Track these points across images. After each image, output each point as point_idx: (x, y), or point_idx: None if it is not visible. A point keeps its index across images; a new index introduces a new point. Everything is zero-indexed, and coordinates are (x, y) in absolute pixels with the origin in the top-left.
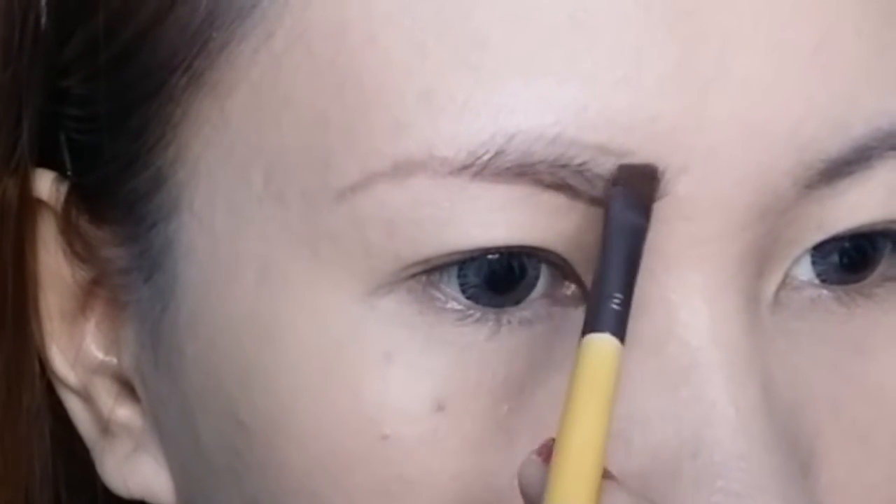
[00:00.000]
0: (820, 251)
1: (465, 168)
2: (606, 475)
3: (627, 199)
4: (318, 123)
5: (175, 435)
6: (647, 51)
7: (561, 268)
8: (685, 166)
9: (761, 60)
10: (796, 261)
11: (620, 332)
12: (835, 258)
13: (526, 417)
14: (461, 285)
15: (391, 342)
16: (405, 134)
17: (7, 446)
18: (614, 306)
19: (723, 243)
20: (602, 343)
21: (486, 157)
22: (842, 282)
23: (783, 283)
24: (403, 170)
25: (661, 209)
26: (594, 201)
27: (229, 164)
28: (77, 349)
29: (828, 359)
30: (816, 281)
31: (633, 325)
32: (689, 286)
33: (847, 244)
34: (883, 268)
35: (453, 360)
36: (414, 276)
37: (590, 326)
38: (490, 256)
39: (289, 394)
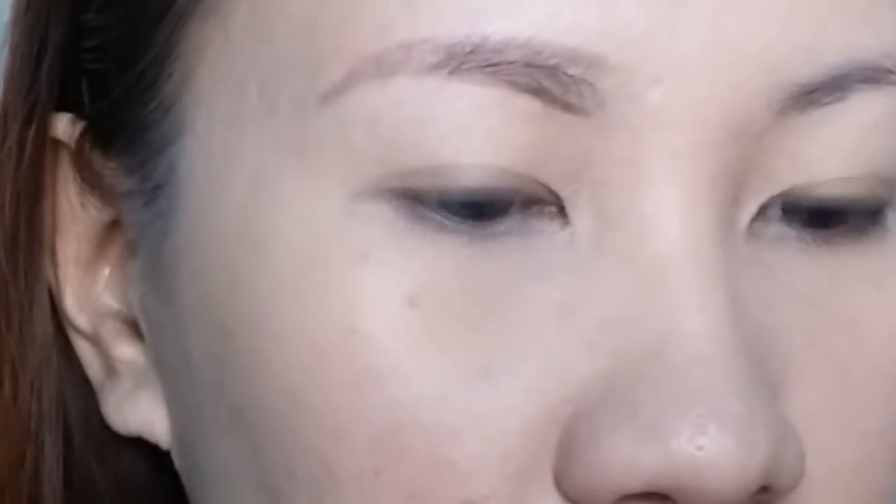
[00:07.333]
0: (787, 211)
1: (441, 67)
2: None
3: None
4: (308, 31)
5: (170, 361)
6: None
7: (537, 182)
8: (657, 76)
9: None
10: (769, 203)
11: None
12: (803, 215)
13: (498, 322)
14: (439, 202)
15: (368, 242)
16: (387, 35)
17: (18, 382)
18: None
19: (696, 158)
20: None
21: (460, 55)
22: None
23: (757, 216)
24: (385, 70)
25: (633, 119)
26: (568, 108)
27: (228, 82)
28: (90, 296)
29: (803, 291)
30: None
31: (606, 235)
32: (662, 199)
33: (813, 206)
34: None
35: (428, 262)
36: (396, 187)
37: None
38: (467, 182)
39: (270, 295)
